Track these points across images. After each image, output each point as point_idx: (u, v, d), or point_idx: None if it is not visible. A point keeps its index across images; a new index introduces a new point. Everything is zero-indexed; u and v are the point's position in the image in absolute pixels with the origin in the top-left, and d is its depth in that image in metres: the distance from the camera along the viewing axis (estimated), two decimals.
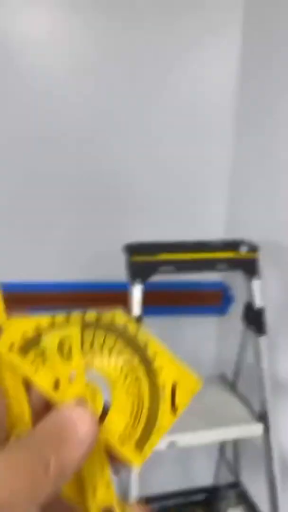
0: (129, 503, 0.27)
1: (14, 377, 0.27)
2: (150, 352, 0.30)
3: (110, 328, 0.30)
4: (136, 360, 0.30)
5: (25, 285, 1.48)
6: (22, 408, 0.27)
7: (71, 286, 1.52)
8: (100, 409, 0.28)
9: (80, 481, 0.27)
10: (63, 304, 1.47)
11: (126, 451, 0.28)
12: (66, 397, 0.27)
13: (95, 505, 0.26)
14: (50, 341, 0.28)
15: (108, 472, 0.27)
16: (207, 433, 1.24)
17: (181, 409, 0.29)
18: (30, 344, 0.27)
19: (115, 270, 1.27)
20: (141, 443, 0.28)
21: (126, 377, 0.29)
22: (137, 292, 1.15)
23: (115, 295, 1.34)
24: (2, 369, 0.27)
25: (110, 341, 0.29)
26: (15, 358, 0.27)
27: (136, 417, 0.29)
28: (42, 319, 0.28)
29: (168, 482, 1.67)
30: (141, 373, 0.29)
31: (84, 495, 0.26)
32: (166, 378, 0.29)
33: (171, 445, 1.17)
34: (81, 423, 0.25)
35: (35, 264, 1.51)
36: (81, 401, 0.26)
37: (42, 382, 0.27)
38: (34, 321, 0.28)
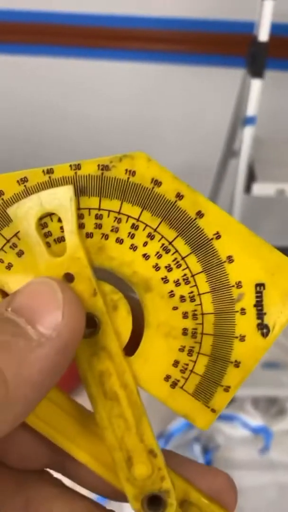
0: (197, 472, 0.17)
1: None
2: (208, 229, 0.16)
3: (128, 190, 0.15)
4: (182, 246, 0.16)
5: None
6: None
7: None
8: (126, 334, 0.16)
9: (100, 446, 0.17)
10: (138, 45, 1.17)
11: (181, 407, 0.16)
12: None
13: (131, 487, 0.16)
14: (22, 219, 0.15)
15: (149, 431, 0.16)
16: None
17: (278, 329, 0.16)
18: None
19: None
20: (203, 391, 0.16)
21: (166, 279, 0.16)
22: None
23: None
24: None
25: (131, 212, 0.16)
26: None
27: (190, 349, 0.16)
28: (6, 178, 0.15)
29: None
30: (193, 268, 0.16)
31: (109, 464, 0.17)
32: (243, 274, 0.16)
33: (280, 193, 0.85)
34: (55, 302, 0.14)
35: None
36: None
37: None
38: None
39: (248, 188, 0.80)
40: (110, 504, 0.18)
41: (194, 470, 0.17)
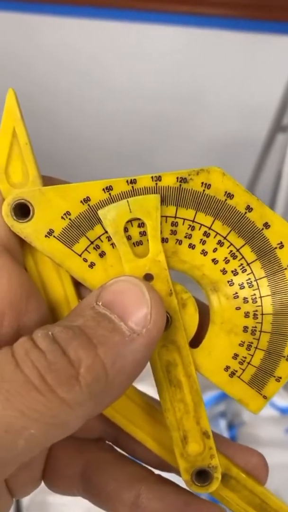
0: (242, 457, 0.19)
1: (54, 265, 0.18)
2: (272, 239, 0.17)
3: (203, 201, 0.17)
4: (248, 253, 0.17)
5: None
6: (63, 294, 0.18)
7: None
8: (193, 329, 0.18)
9: (159, 423, 0.19)
10: None
11: (236, 393, 0.18)
12: None
13: (184, 461, 0.18)
14: (111, 221, 0.17)
15: (205, 415, 0.18)
16: None
17: None
18: (79, 227, 0.17)
19: None
20: (257, 381, 0.18)
21: (232, 282, 0.18)
22: None
23: None
24: (37, 256, 0.18)
25: (204, 221, 0.17)
26: (54, 247, 0.17)
27: (249, 344, 0.18)
28: (93, 186, 0.17)
29: None
30: (257, 273, 0.17)
31: (167, 446, 0.19)
32: None
33: None
34: (144, 303, 0.15)
35: None
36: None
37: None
38: (81, 189, 0.17)
39: None
40: None
41: (234, 449, 0.20)
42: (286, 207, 0.79)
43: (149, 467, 0.20)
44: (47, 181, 0.18)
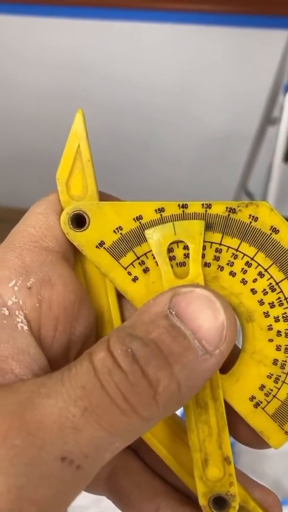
0: (254, 488, 0.19)
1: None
2: None
3: (249, 232, 0.18)
4: (287, 288, 0.18)
5: None
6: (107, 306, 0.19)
7: None
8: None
9: (183, 442, 0.19)
10: None
11: (259, 424, 0.18)
12: None
13: (203, 485, 0.19)
14: (156, 241, 0.18)
15: (228, 441, 0.18)
16: None
17: None
18: (128, 242, 0.18)
19: None
20: (281, 415, 0.18)
21: (268, 314, 0.18)
22: None
23: None
24: (86, 265, 0.19)
25: (247, 251, 0.18)
26: (103, 257, 0.18)
27: (277, 377, 0.18)
28: (146, 206, 0.18)
29: None
30: None
31: (187, 467, 0.19)
32: None
33: None
34: (212, 317, 0.15)
35: None
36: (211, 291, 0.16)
37: (139, 300, 0.18)
38: (135, 208, 0.18)
39: (287, 157, 0.79)
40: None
41: (252, 485, 0.20)
42: (277, 198, 0.78)
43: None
44: (103, 196, 0.20)
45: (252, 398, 0.19)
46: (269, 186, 0.79)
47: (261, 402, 0.18)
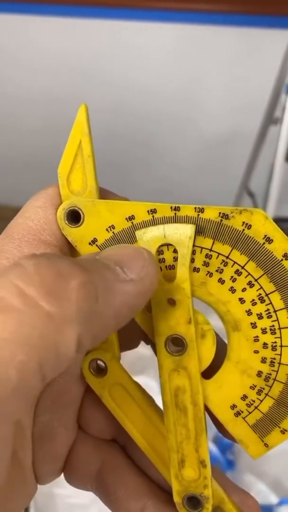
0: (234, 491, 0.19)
1: None
2: None
3: (241, 240, 0.17)
4: (277, 300, 0.17)
5: None
6: None
7: None
8: (207, 361, 0.18)
9: (161, 436, 0.19)
10: None
11: (238, 433, 0.18)
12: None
13: (178, 484, 0.19)
14: (146, 243, 0.18)
15: (205, 445, 0.18)
16: None
17: None
18: (119, 241, 0.19)
19: None
20: (261, 427, 0.18)
21: (255, 325, 0.18)
22: None
23: None
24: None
25: (238, 259, 0.17)
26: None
27: (260, 389, 0.18)
28: (139, 206, 0.18)
29: None
30: (282, 322, 0.17)
31: (165, 460, 0.19)
32: None
33: None
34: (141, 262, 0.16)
35: None
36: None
37: None
38: (128, 207, 0.18)
39: None
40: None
41: (232, 488, 0.20)
42: (279, 197, 0.78)
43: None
44: (104, 193, 0.19)
45: (233, 406, 0.18)
46: (271, 186, 0.79)
47: (242, 412, 0.18)
